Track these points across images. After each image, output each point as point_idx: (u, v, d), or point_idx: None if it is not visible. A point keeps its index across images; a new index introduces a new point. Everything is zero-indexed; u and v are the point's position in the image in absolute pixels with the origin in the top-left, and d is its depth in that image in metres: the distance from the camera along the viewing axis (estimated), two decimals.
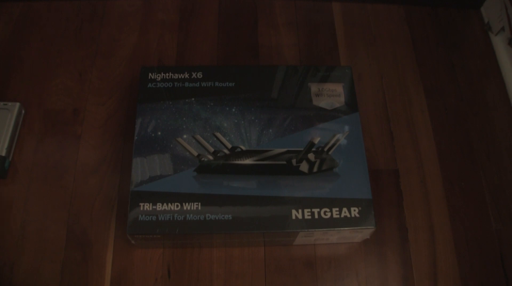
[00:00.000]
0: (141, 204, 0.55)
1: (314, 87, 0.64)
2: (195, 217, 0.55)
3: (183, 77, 0.64)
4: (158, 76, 0.63)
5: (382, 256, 0.62)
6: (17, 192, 0.63)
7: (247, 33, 0.79)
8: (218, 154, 0.59)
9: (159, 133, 0.60)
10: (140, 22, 0.79)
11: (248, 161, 0.58)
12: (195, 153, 0.59)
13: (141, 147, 0.59)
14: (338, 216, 0.56)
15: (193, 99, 0.62)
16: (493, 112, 0.74)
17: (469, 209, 0.66)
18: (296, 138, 0.60)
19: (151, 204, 0.55)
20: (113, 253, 0.60)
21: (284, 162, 0.59)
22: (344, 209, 0.56)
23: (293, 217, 0.55)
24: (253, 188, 0.57)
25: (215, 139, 0.60)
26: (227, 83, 0.63)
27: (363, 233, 0.58)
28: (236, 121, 0.61)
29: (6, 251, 0.59)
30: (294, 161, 0.59)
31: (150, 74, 0.63)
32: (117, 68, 0.74)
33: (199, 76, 0.64)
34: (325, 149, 0.59)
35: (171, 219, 0.54)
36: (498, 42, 0.80)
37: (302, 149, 0.59)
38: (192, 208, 0.55)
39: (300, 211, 0.56)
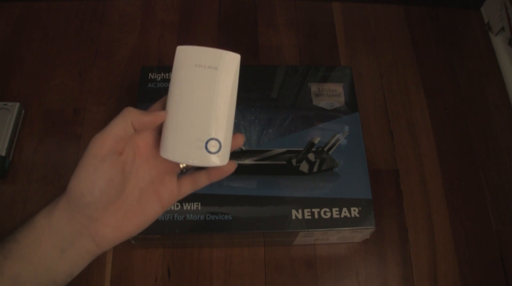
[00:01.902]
0: None
1: (314, 87, 0.64)
2: (195, 217, 0.55)
3: None
4: (158, 76, 0.63)
5: (382, 256, 0.62)
6: (17, 192, 0.63)
7: (247, 33, 0.79)
8: None
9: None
10: (140, 22, 0.79)
11: (248, 161, 0.58)
12: None
13: None
14: (338, 216, 0.56)
15: None
16: (493, 112, 0.74)
17: (469, 209, 0.66)
18: (296, 138, 0.60)
19: None
20: (113, 253, 0.60)
21: (284, 162, 0.59)
22: (344, 209, 0.56)
23: (293, 217, 0.55)
24: (253, 188, 0.57)
25: None
26: None
27: (363, 233, 0.58)
28: (236, 121, 0.60)
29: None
30: (294, 161, 0.59)
31: (150, 74, 0.63)
32: (117, 68, 0.74)
33: None
34: (325, 149, 0.59)
35: (171, 219, 0.54)
36: (498, 42, 0.80)
37: (302, 149, 0.59)
38: (192, 208, 0.55)
39: (300, 211, 0.55)
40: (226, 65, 0.36)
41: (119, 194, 0.33)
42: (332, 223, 0.55)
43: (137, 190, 0.35)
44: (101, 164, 0.31)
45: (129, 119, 0.33)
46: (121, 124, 0.33)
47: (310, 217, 0.55)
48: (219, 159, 0.35)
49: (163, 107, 0.36)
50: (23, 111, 0.69)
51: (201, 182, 0.37)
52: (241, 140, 0.38)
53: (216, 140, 0.35)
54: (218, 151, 0.35)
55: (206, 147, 0.34)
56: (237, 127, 0.60)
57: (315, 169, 0.58)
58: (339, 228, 0.55)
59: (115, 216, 0.33)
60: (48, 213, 0.32)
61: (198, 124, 0.35)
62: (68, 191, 0.32)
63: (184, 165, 0.37)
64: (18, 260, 0.31)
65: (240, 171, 0.58)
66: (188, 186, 0.37)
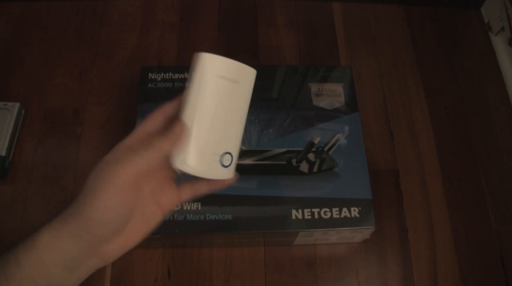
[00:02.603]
0: None
1: (314, 87, 0.64)
2: (195, 217, 0.54)
3: (183, 77, 0.64)
4: (158, 76, 0.63)
5: (382, 256, 0.62)
6: (17, 192, 0.63)
7: (247, 33, 0.79)
8: None
9: None
10: (140, 22, 0.79)
11: (248, 161, 0.58)
12: None
13: None
14: (338, 216, 0.56)
15: None
16: (493, 112, 0.74)
17: (469, 209, 0.66)
18: (296, 138, 0.60)
19: None
20: None
21: (284, 162, 0.59)
22: (344, 209, 0.56)
23: (293, 217, 0.55)
24: (253, 188, 0.57)
25: None
26: None
27: (363, 233, 0.58)
28: None
29: (6, 251, 0.59)
30: (294, 161, 0.59)
31: (150, 74, 0.63)
32: (117, 68, 0.74)
33: None
34: (325, 149, 0.59)
35: (171, 219, 0.54)
36: (498, 42, 0.80)
37: (302, 149, 0.59)
38: (192, 208, 0.55)
39: (300, 211, 0.55)
40: (246, 80, 0.35)
41: (132, 216, 0.34)
42: (332, 223, 0.55)
43: (141, 206, 0.35)
44: (121, 196, 0.32)
45: (157, 156, 0.33)
46: (149, 160, 0.33)
47: (310, 217, 0.55)
48: (229, 173, 0.35)
49: (164, 115, 0.36)
50: (23, 111, 0.69)
51: (201, 190, 0.37)
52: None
53: (230, 154, 0.35)
54: (230, 164, 0.35)
55: (221, 161, 0.34)
56: None
57: (315, 169, 0.58)
58: (339, 228, 0.55)
59: (123, 234, 0.34)
60: (54, 235, 0.32)
61: (217, 138, 0.34)
62: (83, 217, 0.31)
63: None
64: (22, 281, 0.31)
65: (240, 171, 0.58)
66: (188, 193, 0.37)
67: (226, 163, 0.35)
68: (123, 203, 0.32)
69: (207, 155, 0.34)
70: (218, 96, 0.34)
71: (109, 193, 0.31)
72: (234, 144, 0.35)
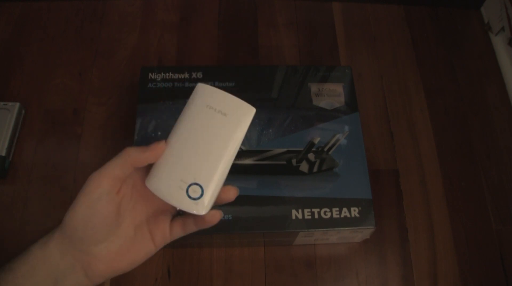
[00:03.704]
0: None
1: (314, 87, 0.64)
2: None
3: (183, 77, 0.64)
4: (158, 76, 0.63)
5: (382, 256, 0.62)
6: (17, 192, 0.63)
7: (247, 33, 0.79)
8: None
9: (159, 133, 0.60)
10: (140, 22, 0.79)
11: (248, 161, 0.58)
12: None
13: None
14: (338, 216, 0.56)
15: None
16: (493, 112, 0.74)
17: (469, 209, 0.66)
18: (296, 138, 0.60)
19: None
20: None
21: (284, 162, 0.59)
22: (344, 209, 0.56)
23: (293, 217, 0.55)
24: (253, 188, 0.57)
25: None
26: (227, 83, 0.63)
27: (363, 233, 0.58)
28: None
29: (6, 251, 0.59)
30: (294, 161, 0.59)
31: (150, 74, 0.63)
32: (117, 68, 0.74)
33: (199, 76, 0.64)
34: (325, 149, 0.59)
35: None
36: (498, 42, 0.80)
37: (302, 149, 0.59)
38: None
39: (300, 211, 0.55)
40: (238, 114, 0.34)
41: (113, 231, 0.34)
42: (332, 223, 0.55)
43: (132, 228, 0.35)
44: (96, 203, 0.32)
45: (128, 160, 0.33)
46: (120, 165, 0.33)
47: (310, 217, 0.55)
48: (197, 207, 0.33)
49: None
50: (23, 111, 0.69)
51: (189, 227, 0.37)
52: (233, 194, 0.36)
53: (199, 186, 0.33)
54: (199, 198, 0.33)
55: (187, 191, 0.33)
56: None
57: (315, 169, 0.58)
58: (339, 228, 0.55)
59: (108, 252, 0.33)
60: (44, 244, 0.33)
61: (187, 165, 0.33)
62: (63, 224, 0.32)
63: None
64: None
65: (240, 171, 0.58)
66: (179, 229, 0.37)
67: (194, 195, 0.33)
68: (98, 212, 0.32)
69: (174, 181, 0.33)
70: (198, 123, 0.33)
71: (83, 200, 0.32)
72: (208, 177, 0.33)
